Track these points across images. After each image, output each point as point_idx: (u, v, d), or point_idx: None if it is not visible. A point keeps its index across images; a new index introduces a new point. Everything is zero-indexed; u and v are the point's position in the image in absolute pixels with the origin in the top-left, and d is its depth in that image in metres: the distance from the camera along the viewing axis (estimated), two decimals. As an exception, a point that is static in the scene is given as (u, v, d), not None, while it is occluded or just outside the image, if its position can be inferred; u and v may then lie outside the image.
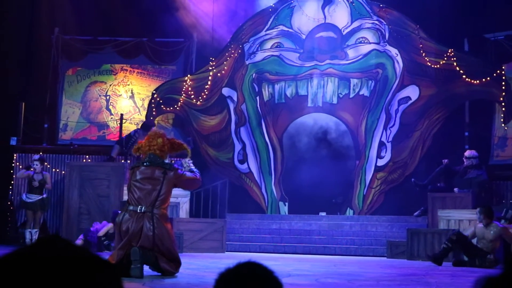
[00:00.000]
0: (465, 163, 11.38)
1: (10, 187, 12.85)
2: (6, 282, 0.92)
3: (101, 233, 10.52)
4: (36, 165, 11.59)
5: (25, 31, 13.95)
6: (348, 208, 13.07)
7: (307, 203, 12.63)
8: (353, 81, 13.16)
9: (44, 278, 0.93)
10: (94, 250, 10.15)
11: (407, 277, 6.83)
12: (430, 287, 5.82)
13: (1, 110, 13.09)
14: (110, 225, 10.21)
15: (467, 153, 11.48)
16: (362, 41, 13.12)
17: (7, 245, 11.33)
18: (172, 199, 7.20)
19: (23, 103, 13.14)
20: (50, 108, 14.15)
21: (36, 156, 11.87)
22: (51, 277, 0.94)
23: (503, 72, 11.96)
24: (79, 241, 10.68)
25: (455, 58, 12.29)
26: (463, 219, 10.46)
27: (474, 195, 11.03)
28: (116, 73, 14.61)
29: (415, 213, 11.72)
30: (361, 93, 13.14)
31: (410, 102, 12.83)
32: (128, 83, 14.57)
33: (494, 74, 11.96)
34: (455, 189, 11.30)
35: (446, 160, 11.52)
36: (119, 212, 10.08)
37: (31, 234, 11.22)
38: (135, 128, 13.38)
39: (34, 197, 11.46)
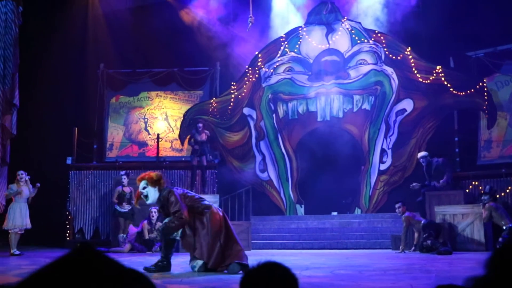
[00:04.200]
0: (424, 164, 11.12)
1: (67, 199, 12.98)
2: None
3: (145, 233, 10.78)
4: (124, 179, 11.56)
5: (75, 67, 14.07)
6: (356, 207, 12.97)
7: (321, 204, 12.53)
8: (356, 97, 13.12)
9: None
10: (138, 248, 10.58)
11: (410, 267, 6.72)
12: (431, 274, 5.71)
13: (58, 135, 13.25)
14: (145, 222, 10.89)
15: (418, 155, 11.32)
16: (362, 63, 13.05)
17: (66, 249, 11.49)
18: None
19: (76, 128, 13.34)
20: (98, 131, 14.35)
21: (123, 172, 11.81)
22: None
23: (484, 84, 11.99)
24: (127, 245, 10.91)
25: (443, 74, 12.32)
26: (456, 213, 10.26)
27: (450, 175, 10.92)
28: (152, 99, 14.72)
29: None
30: (363, 107, 13.10)
31: (406, 113, 12.79)
32: (162, 107, 14.65)
33: (477, 87, 12.02)
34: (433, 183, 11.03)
35: (414, 184, 10.95)
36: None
37: (123, 238, 11.23)
38: (170, 145, 13.55)
39: (127, 207, 11.45)
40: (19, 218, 9.51)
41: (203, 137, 12.35)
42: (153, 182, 6.25)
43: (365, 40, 13.02)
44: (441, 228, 9.79)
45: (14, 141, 10.51)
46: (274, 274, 1.35)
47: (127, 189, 11.54)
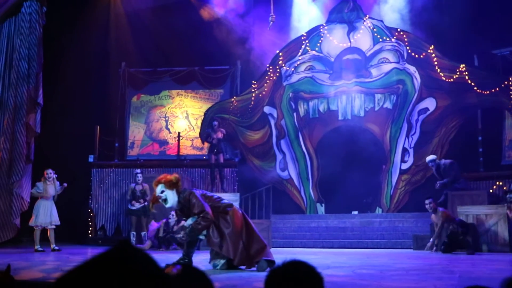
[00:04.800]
0: (434, 168, 11.08)
1: (90, 197, 13.15)
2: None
3: (160, 231, 10.87)
4: (139, 177, 11.59)
5: (97, 66, 14.24)
6: (377, 207, 12.90)
7: (341, 203, 12.46)
8: (377, 96, 13.06)
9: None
10: (156, 243, 10.69)
11: (432, 267, 6.66)
12: (454, 275, 5.66)
13: (80, 133, 13.36)
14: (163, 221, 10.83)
15: (426, 159, 11.28)
16: (384, 61, 12.97)
17: (88, 245, 11.70)
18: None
19: (98, 127, 13.52)
20: (120, 129, 14.50)
21: (138, 170, 11.86)
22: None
23: (510, 83, 11.78)
24: (147, 242, 11.01)
25: (466, 73, 12.19)
26: (480, 213, 10.01)
27: (452, 178, 10.83)
28: (173, 97, 14.80)
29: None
30: (384, 106, 13.05)
31: (428, 112, 12.68)
32: (183, 106, 14.73)
33: (502, 85, 11.85)
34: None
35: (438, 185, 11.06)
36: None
37: (134, 236, 11.35)
38: (190, 143, 13.60)
39: (138, 205, 11.43)
40: (43, 215, 9.74)
41: (219, 135, 12.40)
42: (171, 185, 6.03)
43: (387, 39, 12.97)
44: (469, 229, 9.69)
45: (38, 139, 10.68)
46: (299, 273, 1.35)
47: (138, 187, 11.52)
